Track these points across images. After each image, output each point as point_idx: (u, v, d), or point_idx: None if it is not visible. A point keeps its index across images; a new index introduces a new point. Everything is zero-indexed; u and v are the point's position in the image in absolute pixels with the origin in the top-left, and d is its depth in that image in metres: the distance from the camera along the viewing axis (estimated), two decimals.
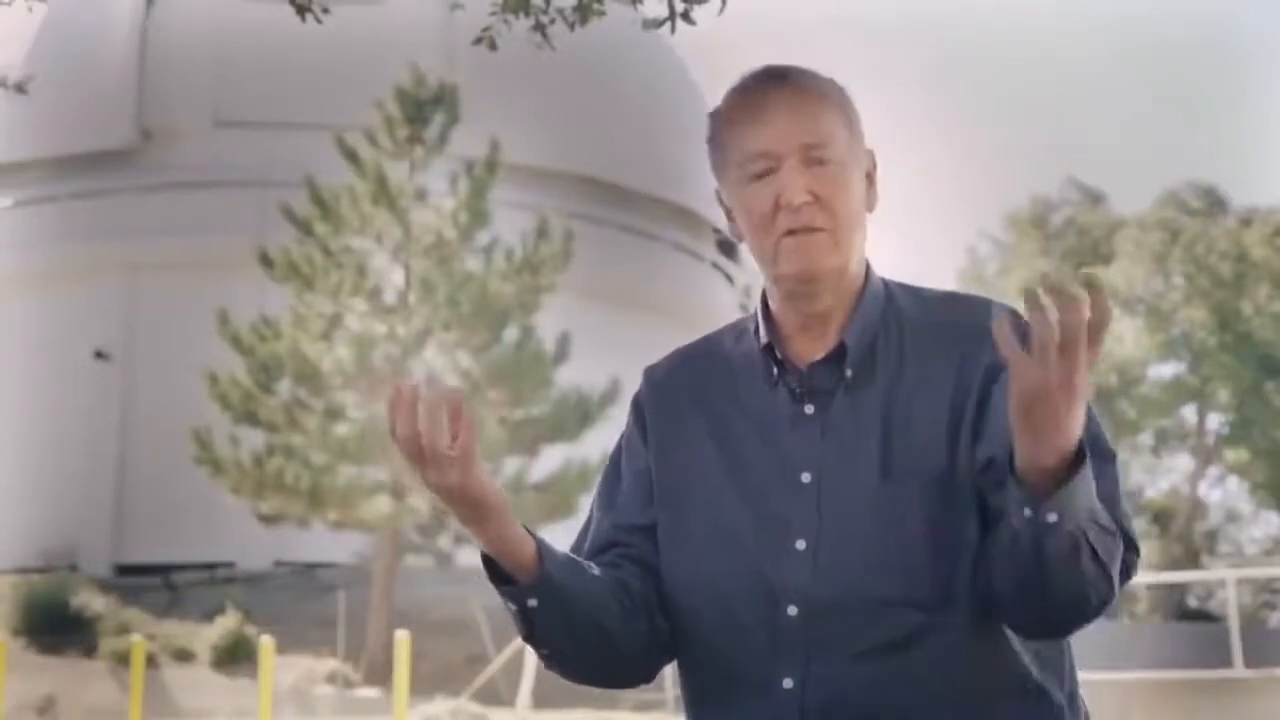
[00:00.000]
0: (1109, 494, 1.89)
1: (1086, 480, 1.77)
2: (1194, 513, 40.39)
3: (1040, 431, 1.73)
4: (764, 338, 2.08)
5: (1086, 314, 1.67)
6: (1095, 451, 1.86)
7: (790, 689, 1.96)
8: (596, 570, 2.05)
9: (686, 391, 2.14)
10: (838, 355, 2.04)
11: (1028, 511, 1.77)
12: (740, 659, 2.00)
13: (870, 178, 2.09)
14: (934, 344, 2.03)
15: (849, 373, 2.03)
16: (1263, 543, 42.77)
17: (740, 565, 2.01)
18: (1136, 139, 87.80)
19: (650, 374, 2.20)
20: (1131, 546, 1.91)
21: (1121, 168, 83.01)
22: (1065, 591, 1.83)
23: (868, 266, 2.10)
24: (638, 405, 2.18)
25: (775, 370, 2.07)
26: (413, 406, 1.84)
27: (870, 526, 1.96)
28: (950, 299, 2.11)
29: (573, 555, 2.04)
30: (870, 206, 2.08)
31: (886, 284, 2.11)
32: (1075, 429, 1.74)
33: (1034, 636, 1.97)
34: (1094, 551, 1.81)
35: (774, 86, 2.05)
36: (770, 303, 2.09)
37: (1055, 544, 1.78)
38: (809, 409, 2.04)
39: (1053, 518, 1.75)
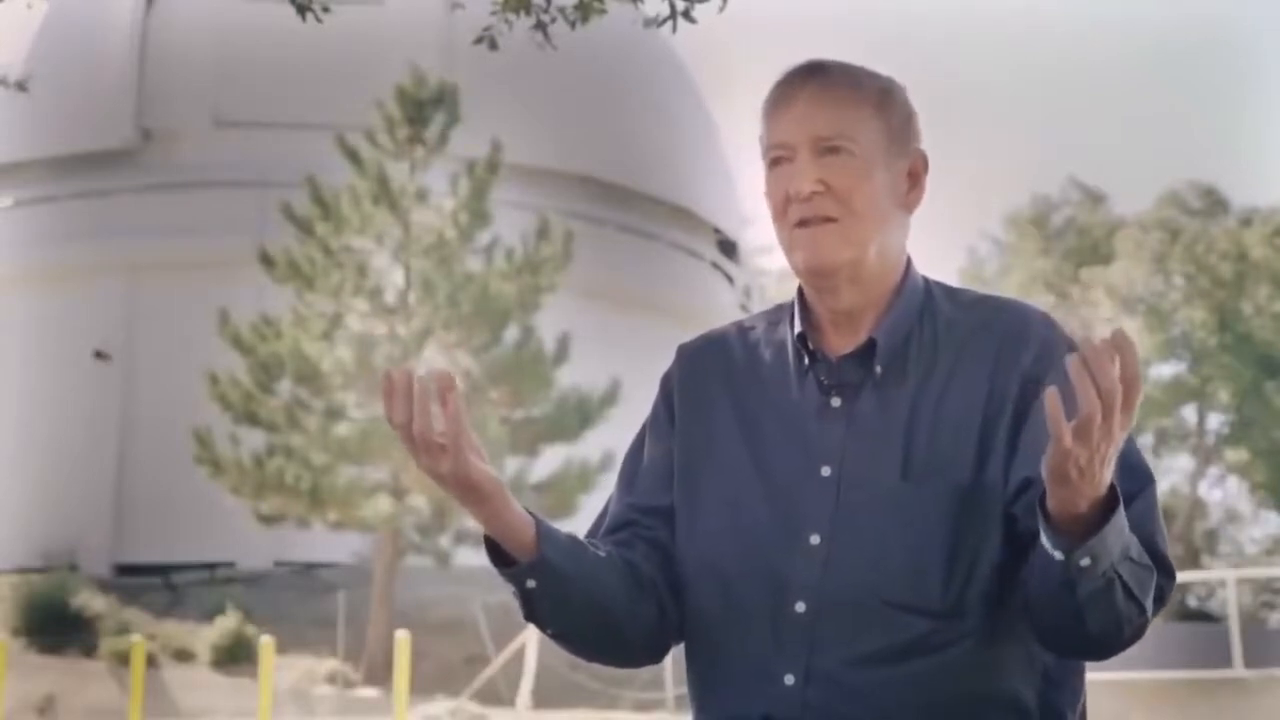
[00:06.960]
0: (1146, 518, 1.88)
1: (1119, 523, 1.76)
2: (1194, 513, 40.35)
3: (1076, 487, 1.71)
4: (798, 326, 2.05)
5: (1119, 378, 1.65)
6: (1133, 475, 1.86)
7: (791, 685, 1.94)
8: (603, 551, 2.04)
9: (716, 374, 2.12)
10: (868, 350, 2.01)
11: (1060, 556, 1.76)
12: (742, 648, 1.98)
13: (915, 177, 2.05)
14: (968, 347, 2.01)
15: (878, 369, 2.00)
16: (1263, 543, 42.74)
17: (752, 553, 1.99)
18: (1137, 139, 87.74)
19: (682, 353, 2.18)
20: (1166, 571, 1.89)
21: (1122, 168, 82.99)
22: (1098, 626, 1.83)
23: (909, 265, 2.07)
24: (667, 382, 2.16)
25: (806, 360, 2.04)
26: (407, 392, 1.85)
27: (886, 526, 1.94)
28: (986, 302, 2.08)
29: (576, 537, 2.03)
30: (909, 205, 2.05)
31: (928, 283, 2.08)
32: (1107, 478, 1.73)
33: (1068, 658, 1.97)
34: (1127, 588, 1.80)
35: (802, 79, 2.03)
36: (805, 292, 2.07)
37: (1088, 586, 1.77)
38: (836, 402, 2.02)
39: (1086, 562, 1.75)
